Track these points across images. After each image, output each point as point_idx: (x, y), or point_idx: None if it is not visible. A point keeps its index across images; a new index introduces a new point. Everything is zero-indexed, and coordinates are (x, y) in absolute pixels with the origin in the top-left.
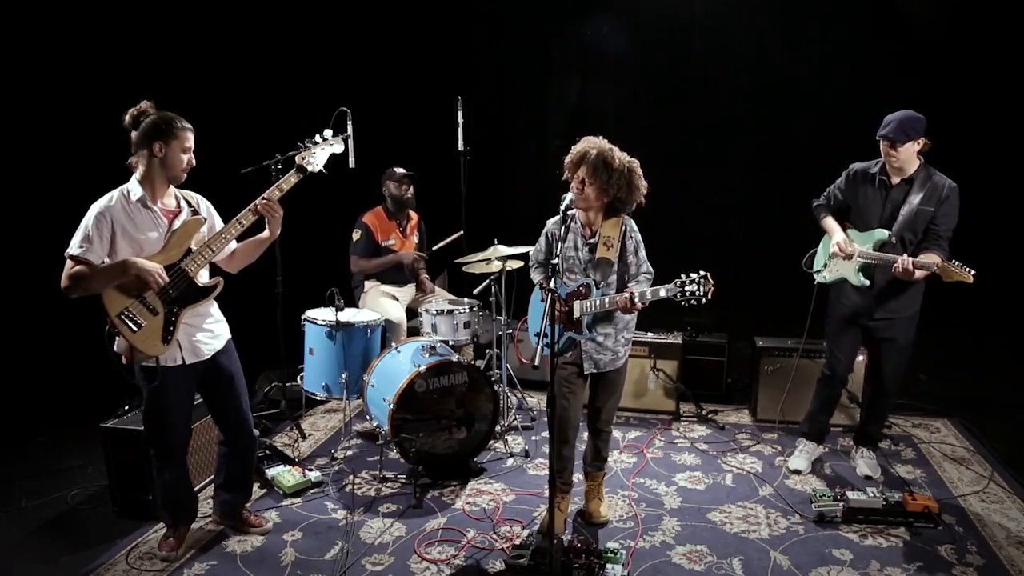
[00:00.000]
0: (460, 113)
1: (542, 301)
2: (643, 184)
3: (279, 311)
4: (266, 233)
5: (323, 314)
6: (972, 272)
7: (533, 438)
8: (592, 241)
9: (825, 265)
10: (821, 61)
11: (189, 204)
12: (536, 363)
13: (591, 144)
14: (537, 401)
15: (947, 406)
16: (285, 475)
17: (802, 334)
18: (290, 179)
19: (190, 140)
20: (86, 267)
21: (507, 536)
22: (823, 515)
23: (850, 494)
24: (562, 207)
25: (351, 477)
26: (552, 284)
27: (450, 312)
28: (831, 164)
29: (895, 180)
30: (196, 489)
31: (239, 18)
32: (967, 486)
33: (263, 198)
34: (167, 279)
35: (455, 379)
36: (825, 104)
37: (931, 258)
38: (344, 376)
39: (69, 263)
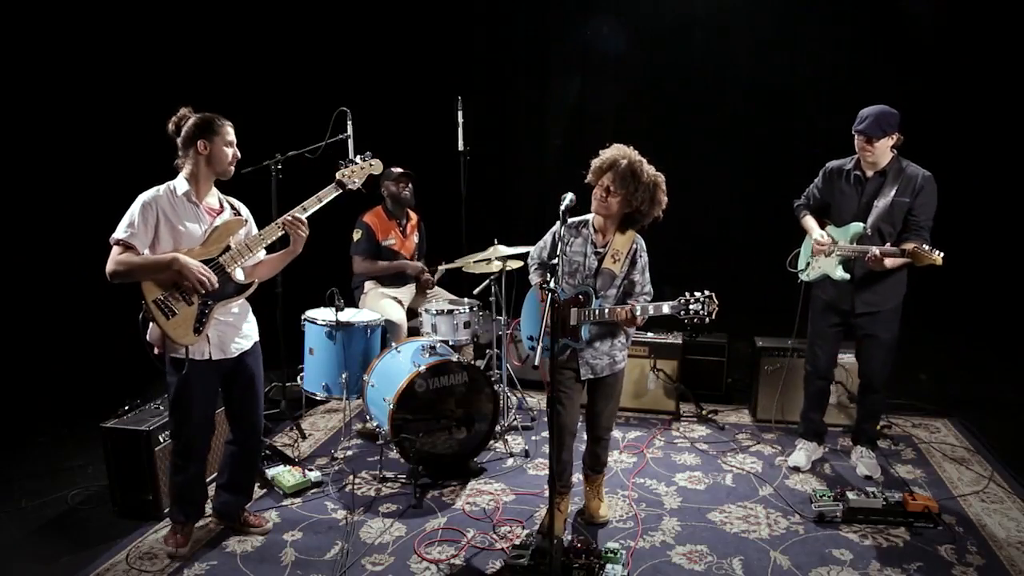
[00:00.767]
0: (460, 113)
1: (541, 301)
2: (665, 200)
3: (279, 311)
4: (290, 248)
5: (323, 314)
6: (940, 254)
7: (533, 438)
8: (601, 251)
9: (808, 264)
10: (821, 61)
11: (232, 207)
12: (536, 363)
13: (621, 153)
14: (537, 401)
15: (947, 406)
16: (285, 475)
17: (801, 334)
18: (330, 192)
19: (231, 134)
20: (132, 252)
21: (507, 536)
22: (823, 515)
23: (850, 494)
24: (562, 207)
25: (351, 477)
26: (552, 284)
27: (450, 312)
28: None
29: (869, 173)
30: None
31: (239, 18)
32: (967, 486)
33: (293, 215)
34: (214, 281)
35: (455, 379)
36: (825, 104)
37: (905, 245)
38: (344, 376)
39: (116, 248)
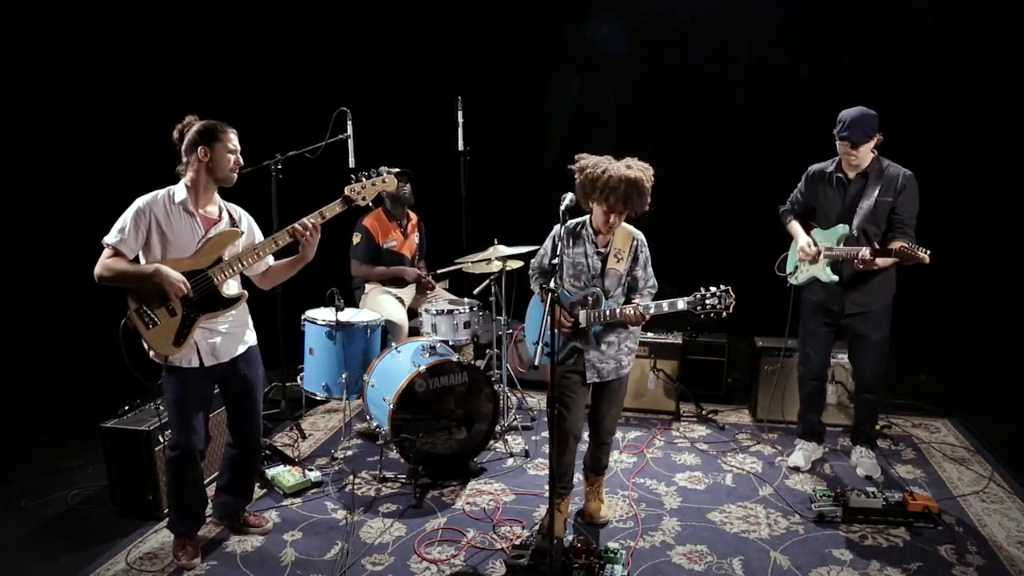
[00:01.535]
0: (460, 113)
1: (542, 302)
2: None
3: (279, 311)
4: (300, 255)
5: (323, 314)
6: (927, 252)
7: (533, 438)
8: (604, 251)
9: (796, 268)
10: (821, 61)
11: (231, 216)
12: (536, 363)
13: (620, 174)
14: (537, 401)
15: (947, 406)
16: (285, 475)
17: (793, 335)
18: (334, 208)
19: (234, 141)
20: (120, 258)
21: (507, 536)
22: (823, 515)
23: (850, 494)
24: (562, 207)
25: (351, 477)
26: (552, 284)
27: (450, 312)
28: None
29: (851, 175)
30: None
31: (240, 18)
32: (967, 486)
33: (303, 223)
34: (190, 291)
35: (455, 379)
36: (825, 104)
37: (892, 245)
38: (344, 376)
39: (106, 251)
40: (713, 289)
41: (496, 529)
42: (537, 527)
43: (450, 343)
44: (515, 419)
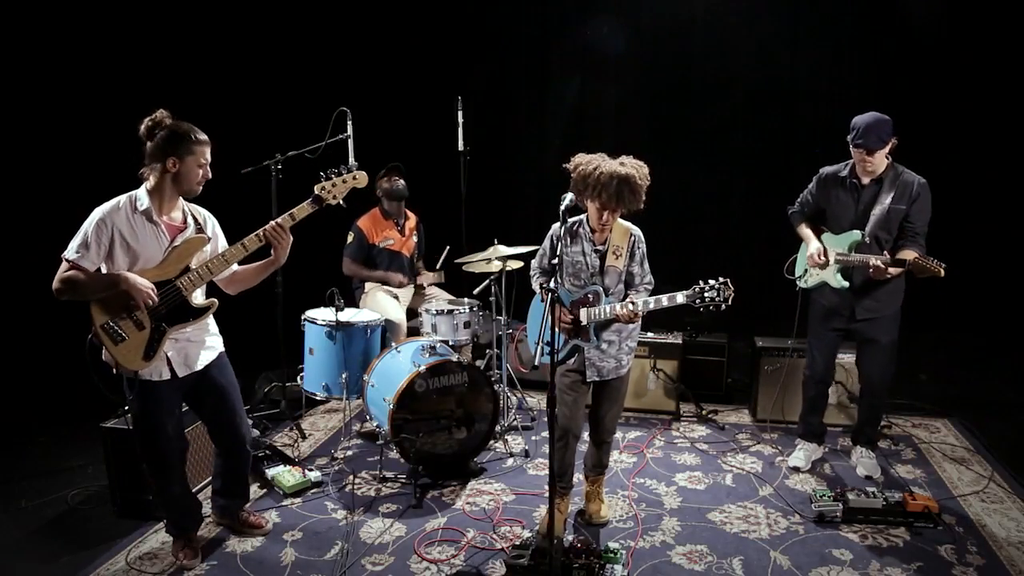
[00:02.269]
0: (460, 113)
1: (542, 301)
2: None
3: (279, 311)
4: (272, 259)
5: (323, 314)
6: (943, 266)
7: (533, 438)
8: (601, 248)
9: (806, 271)
10: (821, 61)
11: (196, 221)
12: (536, 363)
13: (612, 171)
14: (537, 401)
15: (947, 406)
16: (285, 475)
17: (801, 335)
18: (305, 208)
19: (207, 154)
20: (80, 272)
21: (507, 536)
22: (823, 515)
23: (850, 494)
24: (561, 207)
25: (351, 477)
26: (552, 284)
27: (450, 312)
28: (831, 164)
29: (865, 181)
30: (195, 491)
31: (240, 18)
32: (967, 486)
33: (273, 224)
34: (157, 299)
35: (455, 379)
36: (825, 104)
37: (906, 255)
38: (344, 376)
39: (64, 265)
40: (712, 282)
41: (496, 529)
42: (537, 527)
43: (450, 343)
44: (515, 419)
